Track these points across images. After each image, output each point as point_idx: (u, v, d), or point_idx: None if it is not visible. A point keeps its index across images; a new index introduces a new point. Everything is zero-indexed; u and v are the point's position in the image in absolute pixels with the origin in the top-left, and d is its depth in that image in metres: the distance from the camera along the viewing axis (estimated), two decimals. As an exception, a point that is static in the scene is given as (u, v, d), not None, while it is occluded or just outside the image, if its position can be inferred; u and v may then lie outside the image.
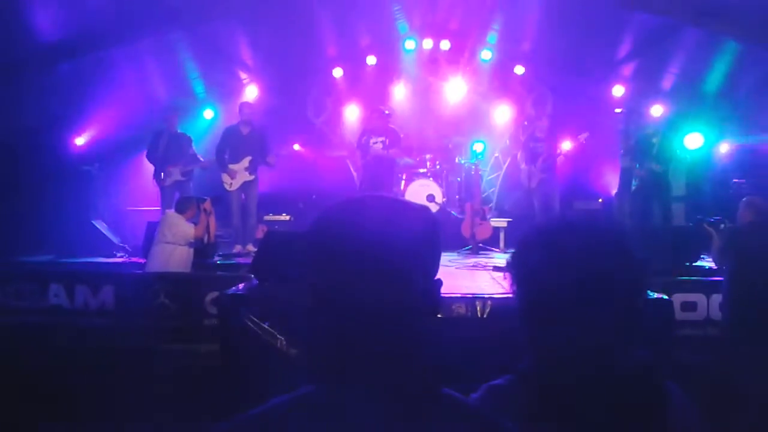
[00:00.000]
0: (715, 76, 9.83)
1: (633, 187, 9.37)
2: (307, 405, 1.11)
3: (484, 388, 1.44)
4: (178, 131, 9.57)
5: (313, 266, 1.15)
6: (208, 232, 7.37)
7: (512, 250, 1.50)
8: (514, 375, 1.44)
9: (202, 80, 11.10)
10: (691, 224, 7.00)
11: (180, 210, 7.27)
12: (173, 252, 6.99)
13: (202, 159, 9.47)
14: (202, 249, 7.32)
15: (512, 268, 1.45)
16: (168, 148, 9.24)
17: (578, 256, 1.34)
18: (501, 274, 5.81)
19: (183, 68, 10.45)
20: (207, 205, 7.35)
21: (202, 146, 10.08)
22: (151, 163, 9.37)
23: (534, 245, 1.43)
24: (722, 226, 6.09)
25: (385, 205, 1.19)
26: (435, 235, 1.19)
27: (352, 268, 1.10)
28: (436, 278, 1.19)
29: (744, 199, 5.94)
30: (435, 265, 1.19)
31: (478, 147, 10.44)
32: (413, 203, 1.23)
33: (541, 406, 1.33)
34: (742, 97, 9.83)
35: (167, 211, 7.36)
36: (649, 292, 4.83)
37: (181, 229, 7.08)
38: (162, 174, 9.20)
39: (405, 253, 1.12)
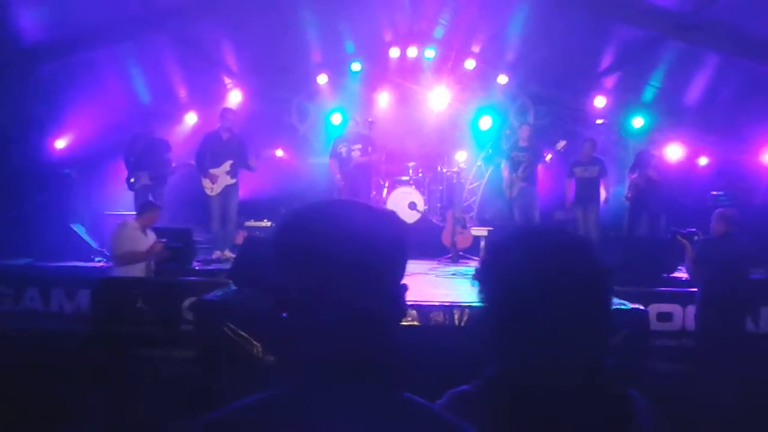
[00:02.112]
0: (695, 87, 9.95)
1: (627, 196, 9.57)
2: (269, 407, 1.11)
3: (448, 394, 1.44)
4: (156, 136, 9.50)
5: (278, 268, 1.15)
6: (151, 270, 6.87)
7: (480, 259, 1.51)
8: (479, 381, 1.44)
9: (186, 84, 11.05)
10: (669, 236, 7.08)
11: (139, 212, 6.98)
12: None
13: (173, 164, 9.41)
14: (180, 255, 7.25)
15: (480, 276, 1.46)
16: (142, 152, 9.19)
17: (544, 265, 1.35)
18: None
19: (166, 71, 10.40)
20: (157, 246, 6.73)
21: (184, 151, 10.03)
22: (126, 167, 9.30)
23: (501, 254, 1.45)
24: (696, 237, 6.16)
25: (352, 209, 1.19)
26: (401, 240, 1.19)
27: (317, 271, 1.11)
28: (401, 283, 1.20)
29: (717, 211, 6.00)
30: (401, 270, 1.20)
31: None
32: (381, 208, 1.23)
33: (506, 413, 1.34)
34: (722, 110, 9.93)
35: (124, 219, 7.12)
36: (625, 302, 4.88)
37: (115, 239, 6.71)
38: (132, 178, 9.14)
39: (370, 257, 1.12)
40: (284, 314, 1.14)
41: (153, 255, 6.68)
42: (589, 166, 9.55)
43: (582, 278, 1.35)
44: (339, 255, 1.10)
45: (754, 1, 7.79)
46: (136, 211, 7.13)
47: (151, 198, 8.68)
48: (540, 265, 1.35)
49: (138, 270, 6.60)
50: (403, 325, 4.62)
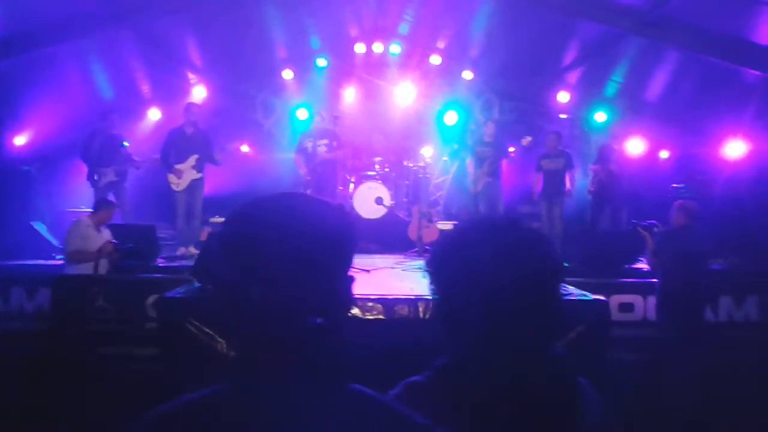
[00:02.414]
0: (656, 83, 10.11)
1: (590, 189, 9.70)
2: (217, 401, 1.11)
3: (401, 385, 1.46)
4: (114, 132, 9.36)
5: (224, 261, 1.15)
6: (103, 269, 6.71)
7: (431, 251, 1.53)
8: (431, 371, 1.45)
9: (149, 80, 10.91)
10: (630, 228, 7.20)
11: (94, 209, 6.88)
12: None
13: (136, 159, 9.29)
14: (143, 251, 7.16)
15: (431, 268, 1.48)
16: (102, 149, 9.04)
17: (494, 257, 1.38)
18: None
19: (128, 67, 10.26)
20: (107, 247, 6.59)
21: (148, 147, 9.91)
22: (84, 163, 9.12)
23: (452, 247, 1.47)
24: (656, 229, 6.26)
25: (298, 202, 1.20)
26: (347, 233, 1.20)
27: (261, 263, 1.11)
28: (348, 275, 1.20)
29: (676, 203, 6.11)
30: (347, 263, 1.20)
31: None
32: (328, 202, 1.24)
33: (457, 403, 1.36)
34: (683, 105, 10.12)
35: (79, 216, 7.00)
36: (587, 293, 4.95)
37: (68, 236, 6.60)
38: (95, 175, 8.99)
39: (315, 250, 1.13)
40: (231, 307, 1.14)
41: (103, 255, 6.56)
42: (555, 158, 9.65)
43: (530, 270, 1.38)
44: (284, 247, 1.10)
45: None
46: (92, 208, 7.02)
47: (113, 195, 8.58)
48: (487, 257, 1.37)
49: (89, 268, 6.51)
50: (368, 318, 4.66)
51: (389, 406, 1.19)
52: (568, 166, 9.62)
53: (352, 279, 1.21)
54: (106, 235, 6.73)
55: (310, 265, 1.12)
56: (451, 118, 11.63)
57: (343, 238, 1.19)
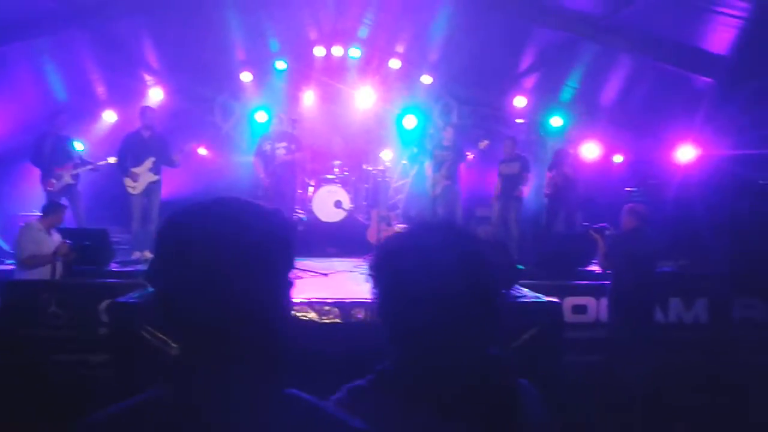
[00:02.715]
0: (610, 88, 10.31)
1: (546, 193, 9.82)
2: (154, 406, 1.11)
3: (344, 389, 1.47)
4: (63, 133, 9.16)
5: (160, 266, 1.15)
6: (58, 272, 6.61)
7: (374, 255, 1.54)
8: (374, 375, 1.47)
9: (104, 81, 10.73)
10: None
11: (44, 212, 6.74)
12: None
13: (90, 160, 9.15)
14: (96, 256, 7.05)
15: (374, 272, 1.49)
16: (54, 151, 8.83)
17: (433, 261, 1.40)
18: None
19: (83, 69, 10.08)
20: (63, 248, 6.52)
21: (104, 149, 9.75)
22: (36, 167, 8.87)
23: (393, 251, 1.49)
24: (607, 232, 6.38)
25: (234, 207, 1.19)
26: (284, 238, 1.20)
27: (198, 268, 1.11)
28: (288, 280, 1.21)
29: (626, 206, 6.24)
30: (286, 267, 1.21)
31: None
32: (263, 206, 1.24)
33: (400, 406, 1.37)
34: (634, 109, 10.32)
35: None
36: (540, 295, 5.03)
37: (19, 242, 6.50)
38: (53, 179, 8.78)
39: (252, 254, 1.13)
40: (167, 313, 1.14)
41: (59, 256, 6.47)
42: (510, 163, 9.76)
43: (468, 274, 1.40)
44: (220, 252, 1.10)
45: (664, 6, 8.12)
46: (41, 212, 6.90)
47: (66, 199, 8.42)
48: (427, 261, 1.39)
49: (44, 273, 6.41)
50: (325, 322, 4.67)
51: (325, 411, 1.19)
52: (524, 169, 9.73)
53: (291, 284, 1.22)
54: (57, 238, 6.63)
55: (243, 270, 1.11)
56: (410, 121, 11.69)
57: (277, 243, 1.19)
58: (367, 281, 1.51)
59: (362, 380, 1.48)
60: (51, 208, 6.80)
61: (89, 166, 8.97)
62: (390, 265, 1.46)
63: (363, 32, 11.80)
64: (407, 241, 1.49)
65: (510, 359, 1.49)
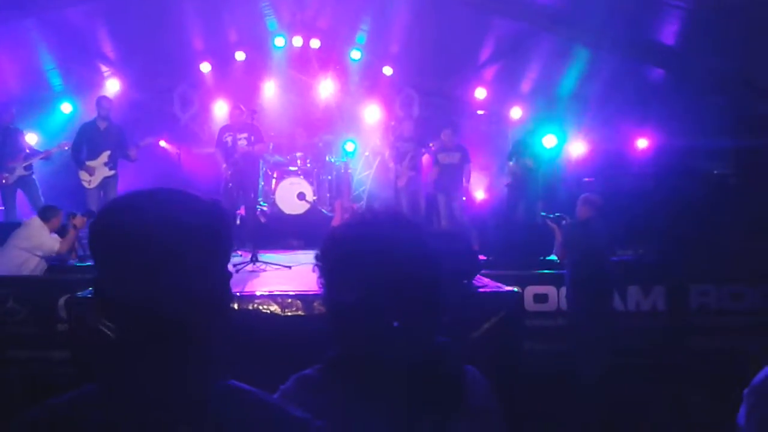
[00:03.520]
0: (569, 80, 10.44)
1: (506, 183, 9.89)
2: (85, 402, 1.10)
3: (292, 378, 1.49)
4: (12, 125, 8.98)
5: (95, 259, 1.14)
6: (74, 250, 6.93)
7: (321, 245, 1.55)
8: (322, 364, 1.49)
9: (59, 72, 10.50)
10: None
11: (45, 217, 6.79)
12: (27, 260, 6.55)
13: (41, 150, 8.98)
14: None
15: (320, 261, 1.51)
16: (4, 144, 8.67)
17: (377, 251, 1.42)
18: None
19: (38, 59, 9.85)
20: (78, 220, 6.84)
21: (59, 142, 9.54)
22: None
23: (338, 239, 1.50)
24: (563, 222, 6.48)
25: (169, 198, 1.18)
26: (218, 228, 1.18)
27: (131, 260, 1.09)
28: (225, 271, 1.20)
29: (581, 196, 6.35)
30: (222, 258, 1.20)
31: (349, 146, 10.59)
32: (199, 197, 1.22)
33: (346, 394, 1.40)
34: (592, 100, 10.48)
35: (32, 217, 6.82)
36: (501, 285, 5.09)
37: (43, 240, 6.63)
38: (4, 172, 8.60)
39: (186, 245, 1.11)
40: (103, 304, 1.13)
41: (79, 229, 6.83)
42: (451, 152, 9.77)
43: (411, 261, 1.42)
44: (153, 243, 1.08)
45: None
46: (13, 206, 6.89)
47: (22, 191, 8.30)
48: (370, 251, 1.42)
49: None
50: (288, 315, 4.66)
51: (266, 401, 1.20)
52: (465, 160, 9.73)
53: (229, 275, 1.22)
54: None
55: (176, 261, 1.10)
56: (374, 113, 11.72)
57: (216, 233, 1.17)
58: (313, 270, 1.52)
59: (310, 369, 1.50)
60: (51, 213, 6.91)
61: (41, 155, 8.82)
62: (336, 253, 1.47)
63: (323, 22, 11.75)
64: (354, 230, 1.51)
65: (458, 347, 1.52)
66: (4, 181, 8.51)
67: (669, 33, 8.90)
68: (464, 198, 9.89)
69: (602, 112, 10.55)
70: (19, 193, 8.80)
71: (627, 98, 10.07)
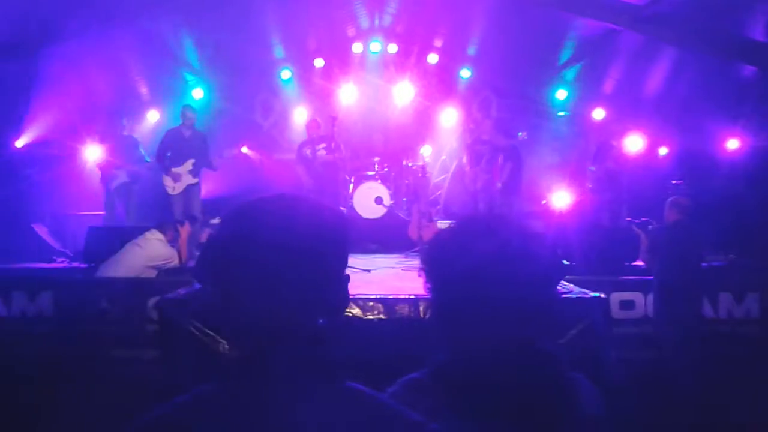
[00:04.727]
0: (653, 80, 10.11)
1: (588, 187, 9.65)
2: (210, 402, 1.12)
3: (399, 382, 1.47)
4: (126, 134, 9.43)
5: (219, 263, 1.16)
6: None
7: (428, 249, 1.54)
8: (429, 369, 1.47)
9: (147, 81, 10.91)
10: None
11: (163, 231, 7.01)
12: (142, 273, 6.75)
13: (148, 161, 9.37)
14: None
15: (427, 266, 1.49)
16: (115, 151, 9.12)
17: (489, 256, 1.40)
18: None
19: (126, 69, 10.26)
20: (185, 229, 7.11)
21: (148, 149, 9.93)
22: (102, 166, 9.33)
23: (447, 244, 1.48)
24: (650, 227, 6.27)
25: (291, 204, 1.20)
26: (341, 233, 1.21)
27: (255, 265, 1.11)
28: (343, 275, 1.21)
29: (669, 199, 6.12)
30: (342, 263, 1.21)
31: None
32: (321, 202, 1.24)
33: (455, 399, 1.37)
34: (678, 100, 10.12)
35: (152, 232, 7.03)
36: (586, 291, 4.96)
37: (166, 256, 6.87)
38: (109, 176, 9.07)
39: (309, 250, 1.13)
40: (225, 308, 1.15)
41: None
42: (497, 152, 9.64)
43: (522, 267, 1.40)
44: (277, 249, 1.11)
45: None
46: (112, 210, 7.08)
47: (123, 197, 8.72)
48: (479, 255, 1.40)
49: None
50: (370, 318, 4.67)
51: (385, 404, 1.20)
52: (508, 159, 9.59)
53: (347, 278, 1.22)
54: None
55: (305, 266, 1.12)
56: (449, 116, 11.64)
57: (338, 238, 1.19)
58: (419, 275, 1.52)
59: (417, 373, 1.49)
60: (167, 226, 7.13)
61: (144, 167, 9.29)
62: (442, 259, 1.46)
63: (400, 27, 11.78)
64: (459, 236, 1.50)
65: (562, 354, 1.48)
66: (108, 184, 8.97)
67: (761, 29, 8.49)
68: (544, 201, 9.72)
69: (689, 112, 10.17)
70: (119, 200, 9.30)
71: (716, 97, 9.67)
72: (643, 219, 6.42)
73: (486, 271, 1.38)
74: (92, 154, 9.62)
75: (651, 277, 6.13)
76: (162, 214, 8.41)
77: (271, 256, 1.11)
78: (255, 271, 1.11)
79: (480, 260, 1.39)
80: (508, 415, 1.35)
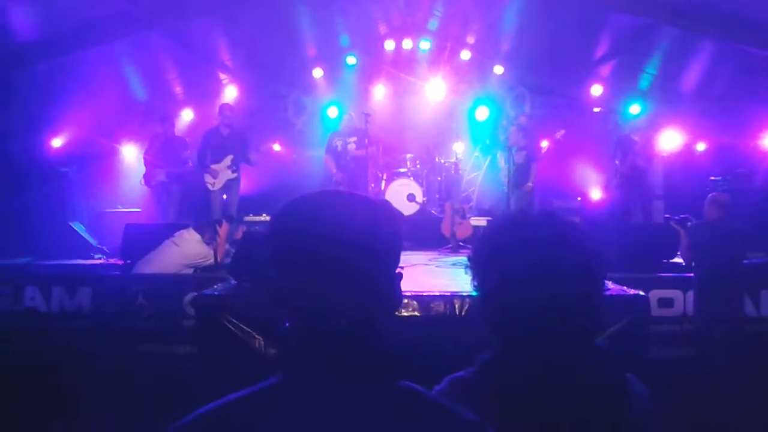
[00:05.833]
0: (692, 74, 9.92)
1: (615, 184, 9.50)
2: (268, 397, 1.11)
3: (446, 380, 1.46)
4: (175, 135, 9.69)
5: (272, 260, 1.15)
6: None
7: (472, 248, 1.52)
8: (476, 367, 1.45)
9: (181, 81, 11.02)
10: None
11: (201, 231, 7.03)
12: (178, 271, 6.77)
13: (191, 164, 9.54)
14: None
15: (472, 265, 1.47)
16: (160, 151, 9.32)
17: (534, 252, 1.38)
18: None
19: (161, 68, 10.37)
20: (224, 229, 7.12)
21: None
22: (144, 164, 9.50)
23: (492, 243, 1.46)
24: (689, 223, 6.15)
25: (345, 199, 1.19)
26: (395, 229, 1.19)
27: (311, 262, 1.11)
28: (396, 272, 1.19)
29: (709, 195, 6.00)
30: (395, 260, 1.20)
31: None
32: (375, 198, 1.23)
33: (501, 396, 1.36)
34: (717, 95, 9.92)
35: (189, 229, 7.05)
36: (625, 288, 4.89)
37: (204, 255, 6.92)
38: (150, 174, 9.28)
39: (365, 247, 1.12)
40: (280, 307, 1.14)
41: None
42: (519, 151, 9.56)
43: (571, 264, 1.37)
44: (333, 245, 1.10)
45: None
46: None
47: (164, 196, 8.86)
48: (530, 252, 1.38)
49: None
50: (404, 315, 4.65)
51: (440, 403, 1.18)
52: (531, 159, 9.54)
53: (400, 276, 1.20)
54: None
55: (360, 263, 1.11)
56: (482, 113, 11.56)
57: (391, 235, 1.18)
58: (466, 273, 1.50)
59: (464, 371, 1.47)
60: (205, 227, 7.11)
61: (184, 168, 9.48)
62: (492, 256, 1.44)
63: (433, 24, 11.73)
64: (508, 232, 1.47)
65: (614, 352, 1.44)
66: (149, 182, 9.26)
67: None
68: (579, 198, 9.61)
69: (728, 107, 9.96)
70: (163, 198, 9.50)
71: (756, 92, 9.45)
72: (683, 216, 6.30)
73: (546, 264, 1.36)
74: (130, 153, 9.77)
75: (691, 275, 6.01)
76: (201, 213, 8.51)
77: (325, 253, 1.10)
78: (309, 268, 1.10)
79: (540, 253, 1.37)
80: (557, 415, 1.33)
